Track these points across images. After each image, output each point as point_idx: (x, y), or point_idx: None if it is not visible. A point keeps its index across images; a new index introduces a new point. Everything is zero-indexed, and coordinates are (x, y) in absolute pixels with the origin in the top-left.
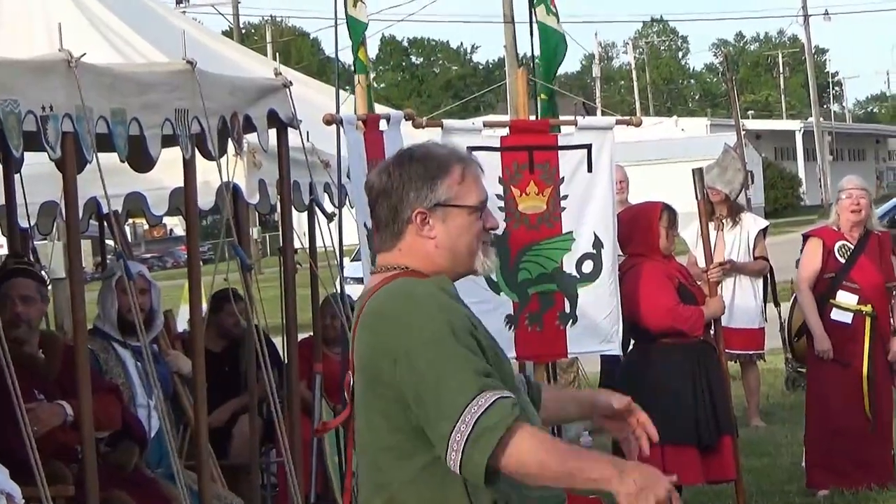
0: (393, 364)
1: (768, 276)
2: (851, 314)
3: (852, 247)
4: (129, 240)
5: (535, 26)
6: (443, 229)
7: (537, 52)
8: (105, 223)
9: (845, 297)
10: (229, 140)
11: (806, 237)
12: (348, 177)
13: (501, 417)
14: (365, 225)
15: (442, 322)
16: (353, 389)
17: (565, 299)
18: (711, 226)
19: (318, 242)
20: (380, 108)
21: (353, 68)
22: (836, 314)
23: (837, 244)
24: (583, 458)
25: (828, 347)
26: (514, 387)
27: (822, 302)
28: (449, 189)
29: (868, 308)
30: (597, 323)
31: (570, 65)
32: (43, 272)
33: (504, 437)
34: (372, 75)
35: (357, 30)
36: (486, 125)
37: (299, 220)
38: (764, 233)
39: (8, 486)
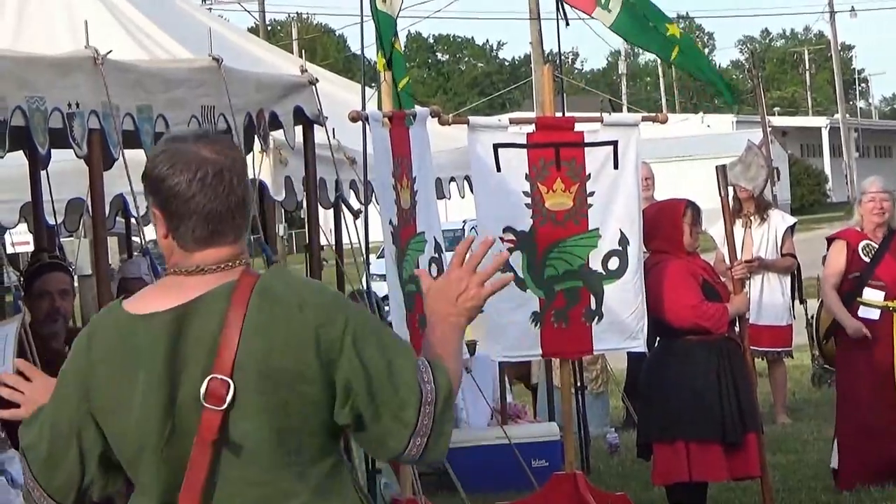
0: (326, 357)
1: (796, 273)
2: (879, 311)
3: (877, 246)
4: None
5: (561, 23)
6: None
7: (564, 49)
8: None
9: (872, 295)
10: (255, 137)
11: (830, 240)
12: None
13: (447, 375)
14: (391, 222)
15: (356, 305)
16: (234, 393)
17: (591, 296)
18: (739, 223)
19: (345, 239)
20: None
21: (376, 64)
22: (863, 311)
23: (862, 244)
24: (452, 345)
25: (859, 326)
26: None
27: (849, 300)
28: None
29: (895, 304)
30: (622, 320)
31: (595, 61)
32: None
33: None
34: (406, 79)
35: (386, 25)
36: (513, 122)
37: (325, 216)
38: (792, 230)
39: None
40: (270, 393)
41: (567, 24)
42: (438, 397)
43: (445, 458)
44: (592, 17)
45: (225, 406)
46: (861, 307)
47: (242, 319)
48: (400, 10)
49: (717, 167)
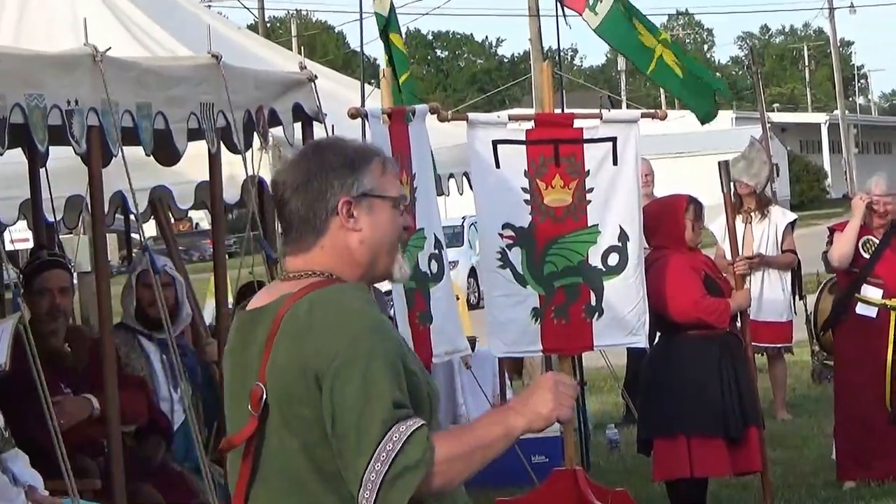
0: (315, 382)
1: (796, 269)
2: (876, 308)
3: (877, 241)
4: (155, 234)
5: (560, 20)
6: (368, 222)
7: (564, 46)
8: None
9: (870, 292)
10: (255, 134)
11: (832, 230)
12: None
13: (422, 452)
14: None
15: (374, 343)
16: (264, 403)
17: (591, 292)
18: (739, 219)
19: None
20: None
21: (375, 61)
22: (860, 308)
23: (862, 239)
24: (482, 432)
25: (859, 202)
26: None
27: (848, 296)
28: (372, 179)
29: (893, 302)
30: (623, 316)
31: (595, 58)
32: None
33: (427, 472)
34: (407, 73)
35: (380, 24)
36: (512, 118)
37: None
38: (792, 226)
39: (28, 475)
40: (284, 408)
41: (568, 25)
42: (394, 463)
43: None
44: (582, 18)
45: (259, 413)
46: (859, 304)
47: (274, 335)
48: (391, 9)
49: (719, 163)
